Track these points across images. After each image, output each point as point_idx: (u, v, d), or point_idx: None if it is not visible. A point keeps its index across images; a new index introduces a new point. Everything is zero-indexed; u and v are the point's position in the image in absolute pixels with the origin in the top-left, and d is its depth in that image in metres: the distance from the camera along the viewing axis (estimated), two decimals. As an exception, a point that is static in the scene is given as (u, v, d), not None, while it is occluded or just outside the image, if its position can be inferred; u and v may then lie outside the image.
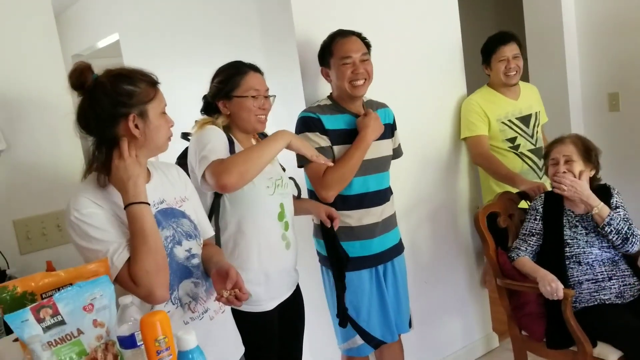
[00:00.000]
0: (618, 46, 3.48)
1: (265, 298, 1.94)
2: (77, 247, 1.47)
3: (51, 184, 2.07)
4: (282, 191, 2.01)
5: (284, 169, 2.14)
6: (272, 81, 2.62)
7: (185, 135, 2.01)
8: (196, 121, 1.97)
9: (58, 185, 2.07)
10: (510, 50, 2.82)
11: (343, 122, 2.24)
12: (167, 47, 3.44)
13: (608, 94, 3.58)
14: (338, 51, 2.19)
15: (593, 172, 2.41)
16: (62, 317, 1.25)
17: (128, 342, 1.26)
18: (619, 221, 2.27)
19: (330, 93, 2.31)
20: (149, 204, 1.44)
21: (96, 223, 1.43)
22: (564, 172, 2.32)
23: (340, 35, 2.21)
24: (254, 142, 2.05)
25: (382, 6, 2.67)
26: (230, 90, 1.95)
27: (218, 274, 1.54)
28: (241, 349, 1.77)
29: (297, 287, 2.13)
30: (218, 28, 2.97)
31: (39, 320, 1.22)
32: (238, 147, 1.93)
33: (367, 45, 2.25)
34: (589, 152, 2.39)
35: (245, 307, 1.74)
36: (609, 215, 2.27)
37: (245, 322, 1.84)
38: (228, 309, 1.73)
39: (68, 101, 2.00)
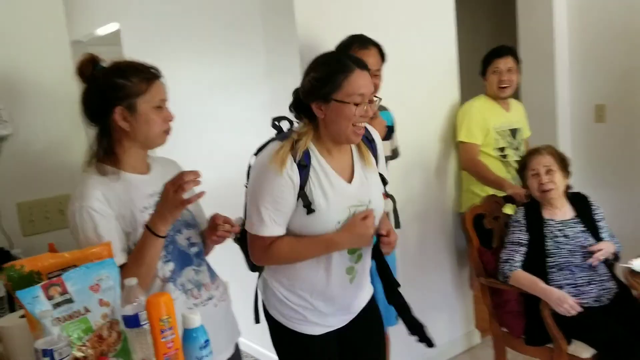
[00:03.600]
0: (606, 60, 3.59)
1: (310, 321, 1.77)
2: (78, 232, 1.53)
3: (55, 169, 2.13)
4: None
5: (385, 182, 1.85)
6: (273, 82, 2.71)
7: (275, 124, 1.81)
8: (274, 138, 1.73)
9: (62, 170, 2.14)
10: (504, 63, 2.94)
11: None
12: (168, 43, 3.49)
13: (595, 105, 3.69)
14: None
15: (568, 181, 2.52)
16: (70, 295, 1.32)
17: (132, 321, 1.34)
18: (617, 244, 2.44)
19: None
20: (164, 238, 1.51)
21: (105, 222, 1.51)
22: (592, 246, 2.38)
23: (360, 44, 2.25)
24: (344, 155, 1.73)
25: (382, 14, 2.74)
26: (329, 91, 1.60)
27: (210, 227, 1.69)
28: (238, 335, 1.85)
29: (370, 301, 1.89)
30: (220, 26, 3.02)
31: (49, 298, 1.30)
32: (317, 162, 1.65)
33: (383, 58, 2.30)
34: (564, 162, 2.52)
35: (286, 323, 1.77)
36: (614, 249, 2.43)
37: (285, 339, 1.81)
38: (229, 297, 1.82)
39: (73, 89, 2.07)
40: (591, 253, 2.36)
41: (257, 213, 1.63)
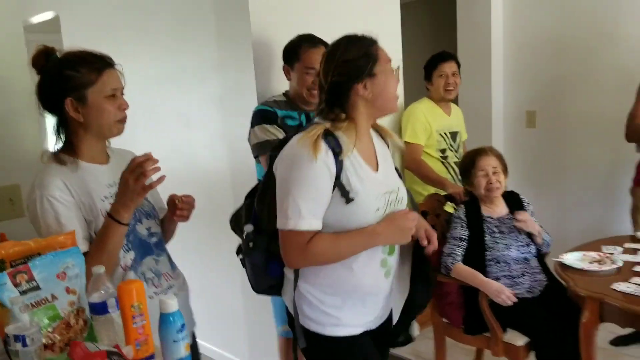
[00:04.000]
0: (537, 69, 3.86)
1: (345, 323, 1.66)
2: (39, 221, 1.53)
3: (6, 159, 2.09)
4: (395, 208, 1.66)
5: (399, 174, 1.80)
6: (225, 76, 2.74)
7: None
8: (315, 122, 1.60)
9: (13, 160, 2.09)
10: (449, 67, 3.10)
11: (293, 118, 2.39)
12: (113, 32, 3.43)
13: (526, 111, 3.95)
14: (304, 59, 2.31)
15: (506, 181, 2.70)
16: (36, 282, 1.32)
17: (99, 308, 1.35)
18: (544, 233, 2.60)
19: (287, 91, 2.44)
20: (126, 225, 1.52)
21: (66, 210, 1.52)
22: (522, 214, 2.56)
23: (308, 43, 2.32)
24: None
25: (334, 15, 2.82)
26: (373, 65, 1.56)
27: (170, 207, 1.73)
28: (194, 325, 1.87)
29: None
30: (169, 17, 3.00)
31: (15, 285, 1.29)
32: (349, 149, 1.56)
33: None
34: (504, 163, 2.69)
35: (321, 329, 1.64)
36: (544, 235, 2.59)
37: (321, 347, 1.67)
38: (188, 288, 1.84)
39: (27, 79, 2.03)
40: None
41: (293, 205, 1.49)
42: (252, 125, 2.37)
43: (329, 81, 1.56)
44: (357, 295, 1.64)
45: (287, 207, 1.50)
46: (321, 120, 1.60)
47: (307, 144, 1.49)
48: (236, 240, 1.79)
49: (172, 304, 1.19)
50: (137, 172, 1.44)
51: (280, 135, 2.28)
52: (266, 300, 2.49)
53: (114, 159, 1.70)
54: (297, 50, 2.33)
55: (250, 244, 1.61)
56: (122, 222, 1.49)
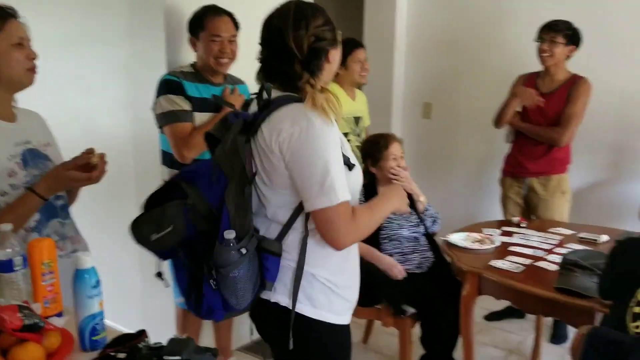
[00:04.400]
0: (435, 65, 4.12)
1: (352, 307, 1.62)
2: None
3: None
4: None
5: None
6: (134, 43, 2.69)
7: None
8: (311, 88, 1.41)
9: None
10: (363, 54, 3.23)
11: (204, 90, 2.40)
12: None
13: (423, 103, 4.20)
14: (209, 27, 2.32)
15: None
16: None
17: (5, 266, 1.34)
18: (433, 212, 2.78)
19: (195, 62, 2.45)
20: (45, 201, 1.55)
21: None
22: (399, 166, 2.72)
23: (213, 12, 2.34)
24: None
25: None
26: (335, 34, 1.49)
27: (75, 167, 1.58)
28: None
29: None
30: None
31: None
32: None
33: (237, 26, 2.41)
34: (402, 150, 2.87)
35: (335, 319, 1.51)
36: (427, 204, 2.76)
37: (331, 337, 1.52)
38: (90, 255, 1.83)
39: None
40: (422, 220, 2.76)
41: (335, 177, 1.33)
42: (158, 95, 2.35)
43: (305, 47, 1.41)
44: (356, 275, 1.62)
45: (330, 180, 1.32)
46: (286, 91, 1.44)
47: (317, 109, 1.35)
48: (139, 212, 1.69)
49: (88, 261, 1.21)
50: (90, 183, 1.55)
51: (186, 106, 2.29)
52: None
53: (22, 119, 1.66)
54: (201, 20, 2.34)
55: (243, 251, 1.32)
56: (45, 198, 1.53)
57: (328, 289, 1.47)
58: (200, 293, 1.37)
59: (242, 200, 1.35)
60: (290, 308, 1.43)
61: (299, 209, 1.40)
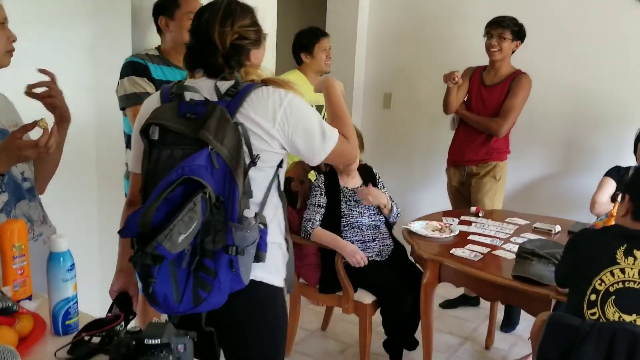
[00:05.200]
0: (395, 56, 4.19)
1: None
2: None
3: None
4: None
5: None
6: (98, 24, 2.61)
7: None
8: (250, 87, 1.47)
9: None
10: (328, 42, 3.27)
11: (169, 73, 2.36)
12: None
13: (384, 93, 4.26)
14: (186, 5, 2.27)
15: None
16: None
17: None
18: (393, 205, 2.83)
19: (159, 45, 2.41)
20: (4, 176, 1.49)
21: None
22: (363, 187, 2.78)
23: None
24: None
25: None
26: (259, 37, 1.60)
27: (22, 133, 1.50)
28: None
29: None
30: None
31: None
32: None
33: None
34: (362, 140, 2.91)
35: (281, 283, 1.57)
36: (392, 207, 2.81)
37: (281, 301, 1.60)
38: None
39: None
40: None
41: (326, 129, 1.51)
42: (121, 77, 2.31)
43: (228, 43, 1.49)
44: None
45: (323, 125, 1.52)
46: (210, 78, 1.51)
47: (283, 88, 1.50)
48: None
49: (63, 243, 1.19)
50: (42, 151, 1.43)
51: (151, 89, 2.25)
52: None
53: None
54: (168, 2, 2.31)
55: (261, 226, 1.40)
56: (1, 174, 1.47)
57: (283, 254, 1.58)
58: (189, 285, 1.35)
59: (247, 181, 1.41)
60: (276, 285, 1.53)
61: (270, 184, 1.50)
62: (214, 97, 1.44)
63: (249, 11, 1.54)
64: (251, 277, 1.43)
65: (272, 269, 1.52)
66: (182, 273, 1.34)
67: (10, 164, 1.49)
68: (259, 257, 1.42)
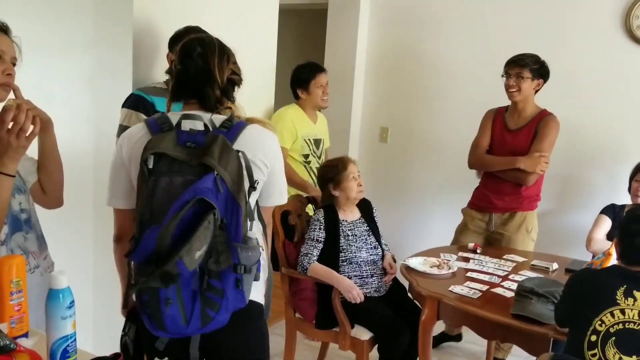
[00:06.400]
0: (392, 91, 4.23)
1: None
2: None
3: None
4: None
5: None
6: (98, 55, 2.64)
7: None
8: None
9: None
10: (325, 78, 3.29)
11: (177, 107, 2.38)
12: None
13: (380, 127, 4.29)
14: None
15: None
16: None
17: (-31, 283, 1.28)
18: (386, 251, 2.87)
19: (168, 79, 2.43)
20: (14, 177, 1.47)
21: None
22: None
23: (196, 32, 2.34)
24: None
25: (214, 10, 2.85)
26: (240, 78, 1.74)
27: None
28: None
29: None
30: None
31: None
32: None
33: None
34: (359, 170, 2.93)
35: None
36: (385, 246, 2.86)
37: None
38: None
39: None
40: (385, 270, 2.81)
41: None
42: (128, 107, 2.35)
43: (225, 78, 1.61)
44: None
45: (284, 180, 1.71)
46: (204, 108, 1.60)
47: (272, 130, 1.69)
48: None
49: (63, 280, 1.17)
50: (15, 129, 1.41)
51: None
52: (116, 288, 2.44)
53: None
54: (184, 37, 2.34)
55: (263, 247, 1.57)
56: (10, 174, 1.45)
57: (265, 272, 1.65)
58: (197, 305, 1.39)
59: (248, 204, 1.48)
60: (259, 301, 1.62)
61: (254, 209, 1.59)
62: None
63: (231, 52, 1.66)
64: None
65: (259, 286, 1.60)
66: (188, 295, 1.38)
67: (8, 161, 1.44)
68: (256, 277, 1.48)
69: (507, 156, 3.04)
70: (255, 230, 1.53)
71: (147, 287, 1.34)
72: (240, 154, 1.46)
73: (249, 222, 1.48)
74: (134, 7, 2.47)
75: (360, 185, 2.81)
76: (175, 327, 1.37)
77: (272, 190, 1.66)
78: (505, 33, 3.69)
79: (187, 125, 1.49)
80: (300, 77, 3.34)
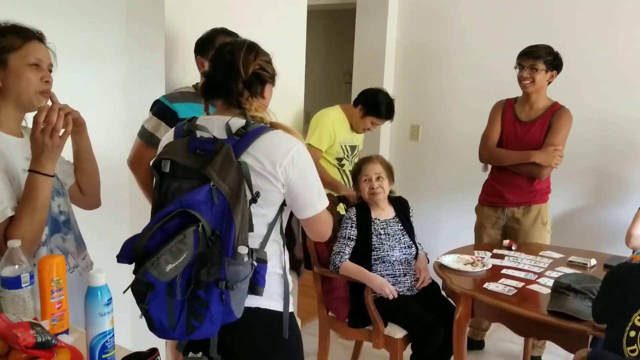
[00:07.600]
0: (422, 89, 4.21)
1: None
2: None
3: None
4: None
5: None
6: (132, 60, 2.70)
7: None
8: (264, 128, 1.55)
9: None
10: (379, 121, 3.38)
11: (198, 111, 2.42)
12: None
13: (411, 125, 4.27)
14: None
15: (392, 186, 2.92)
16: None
17: (12, 283, 1.33)
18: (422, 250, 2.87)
19: (197, 83, 2.47)
20: (53, 177, 1.51)
21: None
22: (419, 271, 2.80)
23: (225, 34, 2.36)
24: None
25: (242, 11, 2.89)
26: (273, 76, 1.71)
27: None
28: None
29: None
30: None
31: None
32: None
33: None
34: (390, 170, 2.91)
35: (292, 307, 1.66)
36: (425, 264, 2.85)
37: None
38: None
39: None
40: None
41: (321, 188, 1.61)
42: (152, 109, 2.40)
43: (250, 70, 1.56)
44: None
45: (320, 187, 1.60)
46: (229, 105, 1.58)
47: (295, 136, 1.56)
48: (132, 230, 1.72)
49: (101, 278, 1.21)
50: (48, 129, 1.45)
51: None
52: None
53: (27, 135, 1.66)
54: (213, 41, 2.37)
55: (255, 263, 1.45)
56: (48, 174, 1.49)
57: (284, 282, 1.63)
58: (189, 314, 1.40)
59: (245, 218, 1.43)
60: (278, 310, 1.59)
61: (273, 223, 1.57)
62: (223, 135, 1.51)
63: (268, 53, 1.64)
64: (249, 305, 1.47)
65: (273, 295, 1.58)
66: (177, 302, 1.39)
67: (46, 161, 1.48)
68: (256, 291, 1.46)
69: (517, 148, 3.03)
70: (270, 244, 1.54)
71: (134, 290, 1.39)
72: (242, 165, 1.44)
73: (247, 235, 1.44)
74: (165, 12, 2.52)
75: (373, 188, 2.80)
76: (162, 329, 1.40)
77: (305, 201, 1.57)
78: (538, 28, 3.63)
79: (199, 133, 1.52)
80: (371, 102, 3.33)
